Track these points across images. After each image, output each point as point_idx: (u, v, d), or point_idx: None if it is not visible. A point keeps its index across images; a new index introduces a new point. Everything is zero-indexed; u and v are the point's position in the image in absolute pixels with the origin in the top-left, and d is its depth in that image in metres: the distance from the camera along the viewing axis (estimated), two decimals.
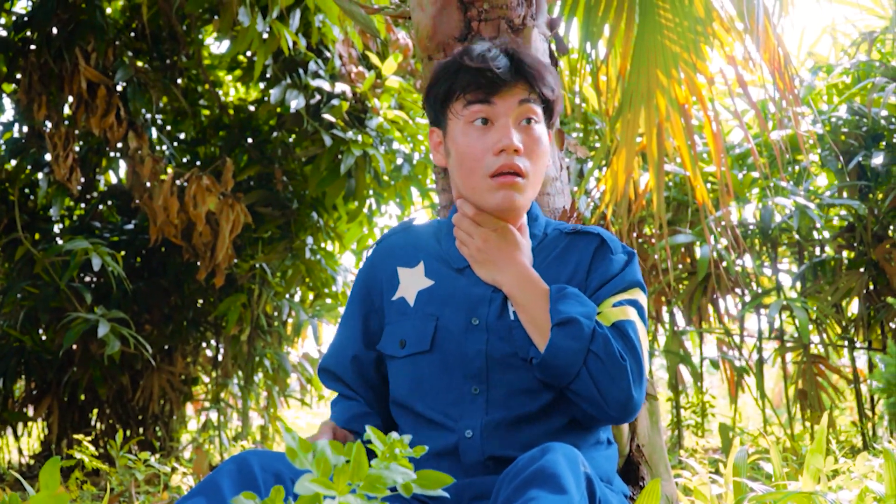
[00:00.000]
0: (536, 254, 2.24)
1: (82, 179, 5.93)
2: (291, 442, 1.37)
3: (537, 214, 2.33)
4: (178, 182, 5.57)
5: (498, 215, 2.19)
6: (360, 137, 5.73)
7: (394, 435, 1.47)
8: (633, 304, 2.14)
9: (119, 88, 5.72)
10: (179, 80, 6.31)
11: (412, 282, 2.25)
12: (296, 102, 5.67)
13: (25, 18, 5.60)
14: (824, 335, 6.33)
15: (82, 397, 6.03)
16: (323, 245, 6.58)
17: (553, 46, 2.98)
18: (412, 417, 2.17)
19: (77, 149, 5.78)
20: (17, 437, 6.09)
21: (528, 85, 2.16)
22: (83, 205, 6.34)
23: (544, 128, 2.21)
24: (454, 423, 2.08)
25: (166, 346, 6.31)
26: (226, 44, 6.11)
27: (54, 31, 5.49)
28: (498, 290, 2.16)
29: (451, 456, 2.07)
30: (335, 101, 5.84)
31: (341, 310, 5.96)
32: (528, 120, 2.16)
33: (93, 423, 6.18)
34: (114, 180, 6.53)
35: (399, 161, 6.11)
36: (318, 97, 5.91)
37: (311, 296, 6.87)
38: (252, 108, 6.51)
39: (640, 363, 2.06)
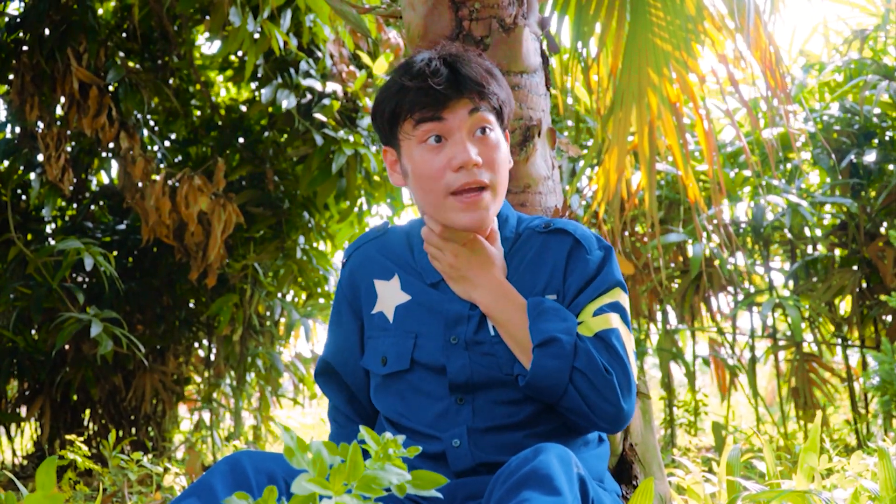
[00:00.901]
0: (510, 258, 2.20)
1: (74, 180, 5.92)
2: (289, 441, 1.38)
3: (507, 215, 2.27)
4: (169, 182, 5.57)
5: (466, 234, 2.15)
6: (351, 137, 5.73)
7: (387, 435, 1.47)
8: (615, 307, 2.11)
9: (111, 89, 5.71)
10: (171, 81, 6.30)
11: (389, 296, 2.23)
12: (287, 102, 5.66)
13: (17, 20, 5.59)
14: (817, 333, 6.34)
15: (75, 398, 6.02)
16: (315, 245, 6.57)
17: (544, 45, 2.98)
18: (398, 430, 2.16)
19: (69, 149, 5.77)
20: (9, 438, 6.08)
21: (475, 94, 2.09)
22: (75, 205, 6.33)
23: (500, 133, 2.15)
24: (441, 433, 2.08)
25: (158, 347, 6.30)
26: (217, 44, 6.10)
27: (46, 32, 5.48)
28: (475, 307, 2.13)
29: (440, 462, 2.07)
30: (326, 101, 5.84)
31: None
32: (482, 130, 2.10)
33: (85, 423, 6.17)
34: (106, 180, 6.52)
35: None
36: (309, 97, 5.91)
37: (303, 295, 6.87)
38: (243, 107, 6.51)
39: (628, 373, 2.04)
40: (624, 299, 2.14)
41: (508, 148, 2.20)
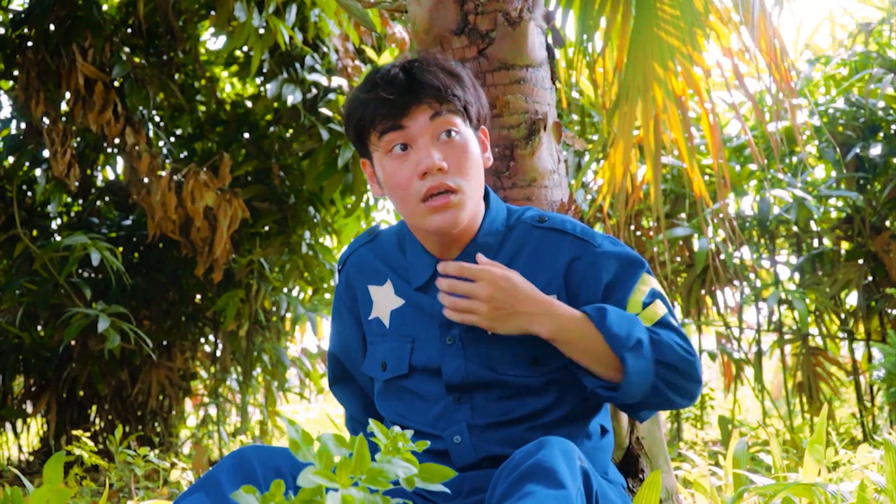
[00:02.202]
0: (501, 251, 2.17)
1: (80, 175, 5.92)
2: (295, 434, 1.38)
3: (496, 208, 2.23)
4: (175, 177, 5.58)
5: (443, 237, 2.13)
6: None
7: (396, 429, 1.47)
8: (655, 294, 2.11)
9: (116, 84, 5.72)
10: (176, 76, 6.31)
11: (384, 301, 2.22)
12: (292, 97, 5.67)
13: (23, 15, 5.60)
14: (823, 327, 6.34)
15: (81, 393, 6.03)
16: (320, 240, 6.58)
17: (550, 39, 2.98)
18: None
19: (74, 145, 5.78)
20: (16, 434, 6.09)
21: (433, 98, 2.06)
22: (81, 201, 6.34)
23: (469, 133, 2.11)
24: (441, 432, 2.08)
25: (164, 342, 6.31)
26: (222, 39, 6.11)
27: (51, 27, 5.49)
28: None
29: (443, 459, 2.07)
30: (332, 96, 5.84)
31: None
32: (447, 133, 2.07)
33: (92, 419, 6.18)
34: (111, 176, 6.53)
35: None
36: (314, 91, 5.91)
37: (309, 290, 6.87)
38: (249, 103, 6.51)
39: (693, 348, 2.06)
40: (654, 281, 2.14)
41: (485, 146, 2.19)
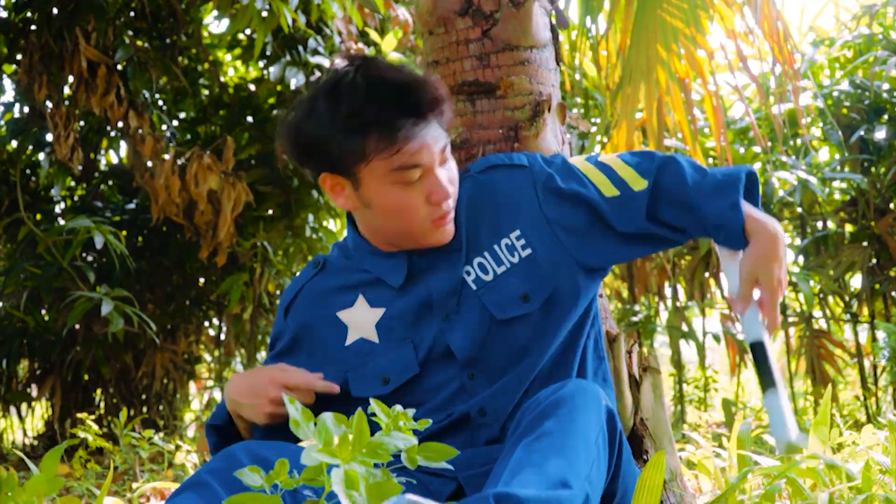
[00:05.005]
0: (469, 210, 2.16)
1: (83, 159, 5.92)
2: (294, 413, 1.38)
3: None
4: (179, 161, 5.57)
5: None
6: None
7: (398, 408, 1.47)
8: (590, 159, 2.21)
9: (119, 68, 5.71)
10: (179, 59, 6.30)
11: (363, 319, 2.14)
12: (295, 80, 5.66)
13: None
14: (827, 310, 6.34)
15: (86, 377, 6.04)
16: (324, 223, 6.57)
17: (554, 20, 2.97)
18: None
19: (78, 128, 5.77)
20: (20, 418, 6.10)
21: (437, 123, 2.03)
22: (84, 185, 6.34)
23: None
24: (464, 405, 2.06)
25: (169, 326, 6.32)
26: (225, 22, 6.09)
27: (54, 11, 5.47)
28: (438, 281, 2.10)
29: (465, 431, 2.06)
30: None
31: None
32: (445, 154, 2.06)
33: (96, 402, 6.19)
34: (115, 160, 6.53)
35: None
36: (318, 74, 5.89)
37: None
38: (252, 86, 6.50)
39: None
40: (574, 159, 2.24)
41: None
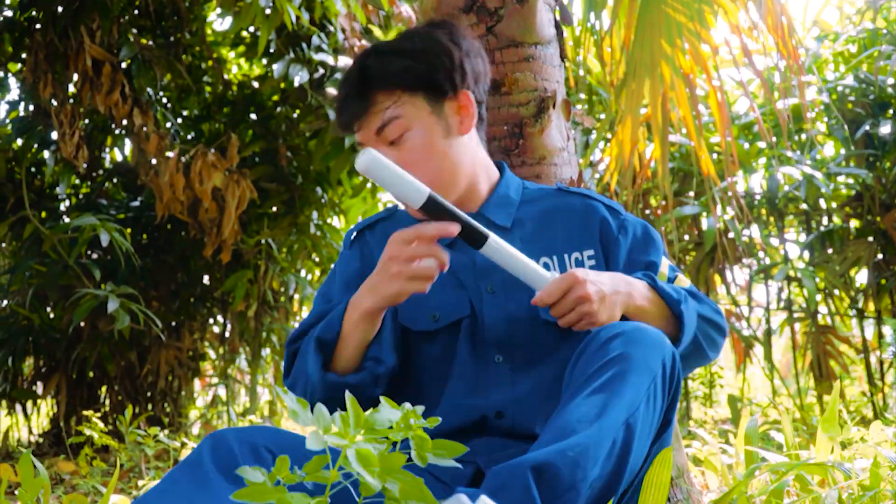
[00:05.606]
0: (521, 207, 2.22)
1: (88, 157, 5.92)
2: (291, 403, 1.39)
3: (507, 174, 2.28)
4: (183, 158, 5.57)
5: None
6: None
7: (406, 405, 1.46)
8: (675, 269, 2.21)
9: (124, 66, 5.70)
10: (183, 57, 6.29)
11: None
12: (299, 77, 5.65)
13: None
14: (832, 305, 6.33)
15: (91, 374, 6.04)
16: (328, 220, 6.57)
17: (558, 16, 2.97)
18: (433, 397, 2.14)
19: (82, 127, 5.77)
20: (26, 416, 6.11)
21: (382, 91, 2.10)
22: (89, 182, 6.34)
23: (425, 124, 2.12)
24: (484, 399, 2.07)
25: (173, 323, 6.32)
26: (229, 20, 6.09)
27: (59, 9, 5.47)
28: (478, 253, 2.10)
29: (478, 429, 2.07)
30: (339, 75, 5.82)
31: None
32: (397, 138, 2.10)
33: (101, 399, 6.19)
34: (119, 158, 6.52)
35: None
36: (321, 71, 5.89)
37: (317, 271, 6.88)
38: (256, 83, 6.50)
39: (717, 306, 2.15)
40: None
41: (465, 110, 2.17)
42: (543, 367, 2.08)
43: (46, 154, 5.76)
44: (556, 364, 2.06)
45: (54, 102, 5.50)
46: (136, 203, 6.21)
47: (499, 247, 1.95)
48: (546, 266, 2.15)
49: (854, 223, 6.23)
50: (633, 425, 1.73)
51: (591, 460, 1.65)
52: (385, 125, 2.09)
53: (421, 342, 2.17)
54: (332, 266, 2.35)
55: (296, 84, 5.69)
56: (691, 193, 6.24)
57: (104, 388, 6.20)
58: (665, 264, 2.17)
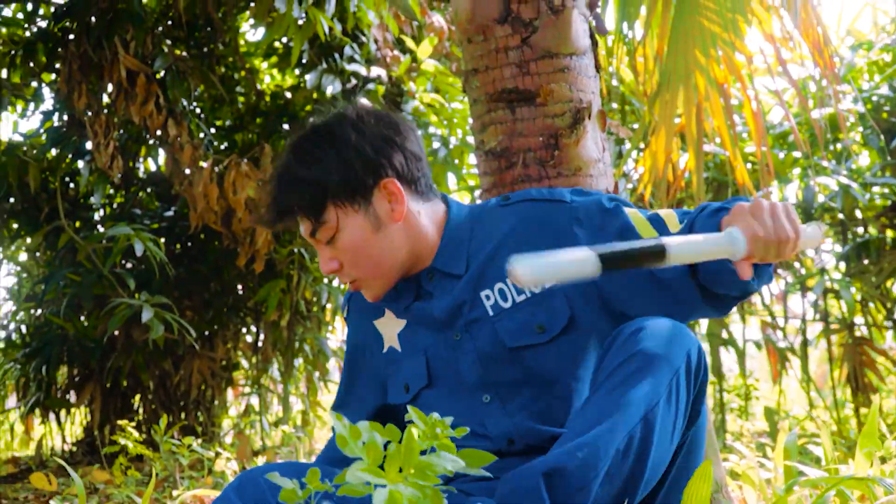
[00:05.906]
0: (474, 238, 2.18)
1: (122, 167, 5.95)
2: (341, 428, 1.36)
3: (454, 209, 2.24)
4: (216, 169, 5.59)
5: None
6: None
7: (435, 415, 1.47)
8: (644, 210, 2.16)
9: (158, 76, 5.73)
10: (217, 68, 6.32)
11: (390, 329, 2.24)
12: (332, 87, 5.67)
13: (64, 8, 5.62)
14: (869, 317, 6.28)
15: (125, 383, 6.07)
16: None
17: (592, 27, 2.96)
18: None
19: (117, 137, 5.80)
20: (59, 424, 6.14)
21: (302, 215, 2.15)
22: (124, 192, 6.37)
23: (353, 224, 2.11)
24: (488, 437, 2.08)
25: (207, 332, 6.33)
26: (262, 31, 6.11)
27: (93, 20, 5.50)
28: (441, 302, 2.13)
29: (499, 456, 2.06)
30: (371, 86, 5.83)
31: None
32: (329, 240, 2.13)
33: (135, 408, 6.22)
34: (153, 168, 6.55)
35: (435, 145, 6.11)
36: (354, 82, 5.90)
37: None
38: (288, 94, 6.51)
39: None
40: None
41: (395, 197, 2.13)
42: (527, 388, 2.08)
43: (81, 164, 5.79)
44: (537, 380, 2.07)
45: (88, 113, 5.54)
46: (170, 213, 6.24)
47: (679, 250, 1.70)
48: (502, 294, 2.12)
49: (890, 233, 6.17)
50: (653, 420, 1.73)
51: (603, 458, 1.66)
52: (315, 231, 2.13)
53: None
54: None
55: (328, 94, 5.70)
56: None
57: (138, 397, 6.23)
58: (633, 213, 2.07)
